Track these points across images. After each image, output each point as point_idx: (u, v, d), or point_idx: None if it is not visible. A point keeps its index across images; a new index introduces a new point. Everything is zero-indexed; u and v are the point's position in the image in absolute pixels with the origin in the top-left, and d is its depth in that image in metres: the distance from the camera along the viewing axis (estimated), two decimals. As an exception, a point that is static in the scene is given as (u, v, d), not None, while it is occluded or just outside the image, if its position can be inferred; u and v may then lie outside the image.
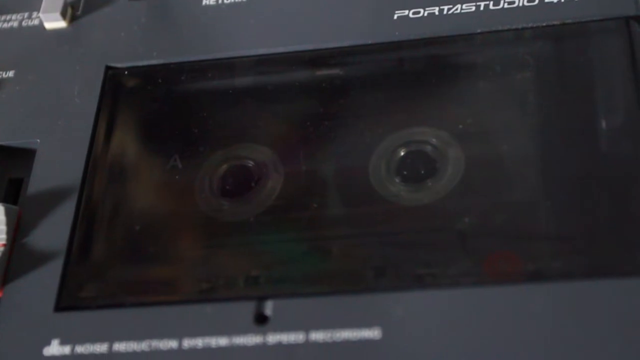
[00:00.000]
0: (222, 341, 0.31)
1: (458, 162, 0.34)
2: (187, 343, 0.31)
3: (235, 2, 0.40)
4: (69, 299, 0.34)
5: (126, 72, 0.39)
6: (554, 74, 0.36)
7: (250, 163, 0.36)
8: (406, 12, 0.37)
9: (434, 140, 0.34)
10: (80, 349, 0.32)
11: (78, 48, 0.41)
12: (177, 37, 0.40)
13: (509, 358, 0.29)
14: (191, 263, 0.36)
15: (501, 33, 0.36)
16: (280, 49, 0.38)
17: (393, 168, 0.34)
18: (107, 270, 0.36)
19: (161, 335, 0.32)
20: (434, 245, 0.34)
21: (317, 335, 0.30)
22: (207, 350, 0.31)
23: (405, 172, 0.34)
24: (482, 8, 0.37)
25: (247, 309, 0.32)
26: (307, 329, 0.31)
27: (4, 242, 0.35)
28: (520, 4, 0.36)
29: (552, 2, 0.36)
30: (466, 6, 0.37)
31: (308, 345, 0.31)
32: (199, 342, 0.31)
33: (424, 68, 0.37)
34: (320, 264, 0.34)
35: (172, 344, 0.31)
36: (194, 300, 0.34)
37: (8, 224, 0.35)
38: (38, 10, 0.43)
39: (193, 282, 0.35)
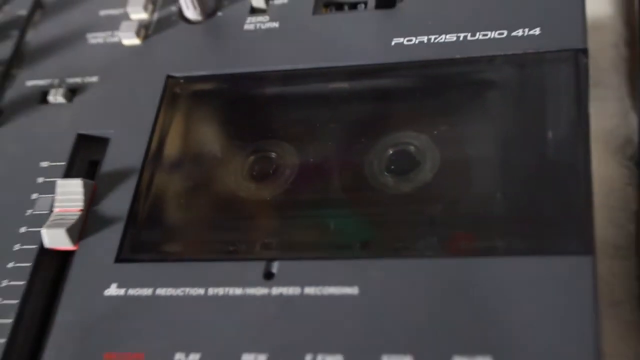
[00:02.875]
0: (238, 291, 0.33)
1: (434, 160, 0.35)
2: (211, 291, 0.33)
3: (268, 28, 0.40)
4: (126, 254, 0.35)
5: (182, 81, 0.40)
6: (515, 93, 0.37)
7: (273, 155, 0.37)
8: (401, 39, 0.38)
9: (416, 142, 0.36)
10: (132, 292, 0.34)
11: (147, 60, 0.42)
12: (223, 54, 0.41)
13: (459, 311, 0.30)
14: (220, 230, 0.37)
15: (475, 59, 0.37)
16: (301, 66, 0.39)
17: (383, 163, 0.36)
18: (155, 233, 0.37)
19: (192, 284, 0.34)
20: (409, 225, 0.35)
21: (309, 290, 0.32)
22: (225, 297, 0.33)
23: (392, 167, 0.35)
24: (461, 39, 0.37)
25: (259, 267, 0.33)
26: (302, 285, 0.32)
27: (81, 207, 0.36)
28: (492, 37, 0.37)
29: (517, 35, 0.37)
30: (449, 36, 0.37)
31: (302, 297, 0.32)
32: (220, 290, 0.33)
33: (412, 85, 0.39)
34: (318, 236, 0.35)
35: (200, 291, 0.33)
36: (219, 259, 0.35)
37: (85, 194, 0.37)
38: (118, 30, 0.43)
39: (220, 245, 0.36)
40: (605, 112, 0.44)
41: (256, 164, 0.38)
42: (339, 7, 0.41)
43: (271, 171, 0.37)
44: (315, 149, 0.38)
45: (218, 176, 0.38)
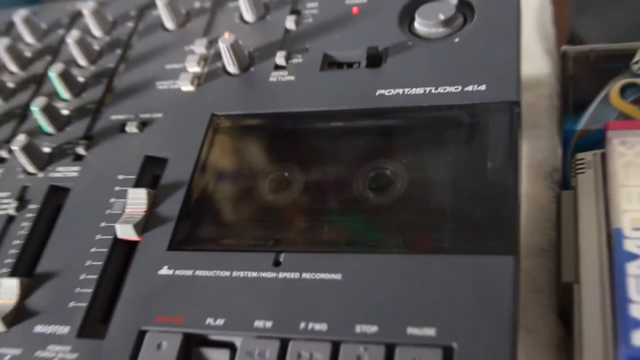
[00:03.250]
0: (254, 274, 0.33)
1: (404, 181, 0.35)
2: (234, 274, 0.33)
3: (286, 81, 0.40)
4: (175, 244, 0.35)
5: (222, 117, 0.40)
6: (466, 132, 0.36)
7: (286, 174, 0.37)
8: (383, 91, 0.37)
9: (391, 167, 0.35)
10: (177, 272, 0.34)
11: (198, 103, 0.41)
12: (252, 99, 0.40)
13: (414, 294, 0.30)
14: (244, 229, 0.37)
15: (437, 107, 0.36)
16: (309, 109, 0.39)
17: (366, 182, 0.35)
18: (197, 230, 0.36)
19: (221, 268, 0.33)
20: (382, 228, 0.35)
21: (306, 275, 0.32)
22: (244, 278, 0.33)
23: (372, 185, 0.35)
24: (427, 91, 0.37)
25: (270, 257, 0.33)
26: (300, 271, 0.32)
27: (145, 209, 0.36)
28: (450, 90, 0.36)
29: (469, 90, 0.36)
30: (418, 89, 0.37)
31: (300, 280, 0.32)
32: (241, 273, 0.33)
33: (390, 124, 0.38)
34: (314, 235, 0.35)
35: (227, 273, 0.33)
36: (242, 250, 0.35)
37: (148, 200, 0.36)
38: (178, 80, 0.42)
39: (244, 239, 0.36)
40: (539, 147, 0.44)
41: (273, 180, 0.37)
42: (340, 65, 0.41)
43: (283, 186, 0.37)
44: (317, 171, 0.38)
45: (245, 188, 0.38)
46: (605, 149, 0.36)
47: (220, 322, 0.32)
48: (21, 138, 0.40)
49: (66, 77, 0.44)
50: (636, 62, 0.39)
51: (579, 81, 0.40)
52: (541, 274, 0.38)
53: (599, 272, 0.32)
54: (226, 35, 0.41)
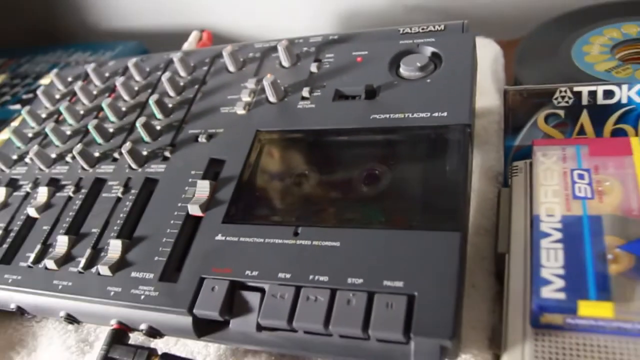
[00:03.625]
0: (279, 241, 0.32)
1: (387, 179, 0.34)
2: (266, 240, 0.33)
3: (309, 107, 0.39)
4: (227, 219, 0.35)
5: (264, 132, 0.39)
6: (432, 145, 0.34)
7: (306, 172, 0.36)
8: (375, 115, 0.36)
9: (379, 169, 0.34)
10: (228, 238, 0.33)
11: (248, 122, 0.40)
12: (285, 120, 0.39)
13: (390, 258, 0.30)
14: (275, 210, 0.35)
15: (412, 127, 0.35)
16: (323, 127, 0.38)
17: (361, 179, 0.34)
18: (243, 209, 0.35)
19: (257, 236, 0.33)
20: (370, 211, 0.33)
21: (315, 242, 0.31)
22: (273, 243, 0.32)
23: (365, 181, 0.34)
24: (406, 115, 0.35)
25: (291, 230, 0.33)
26: (312, 240, 0.32)
27: (208, 195, 0.36)
28: (422, 115, 0.35)
29: (435, 115, 0.35)
30: (399, 115, 0.36)
31: (311, 246, 0.31)
32: (271, 240, 0.32)
33: (379, 139, 0.36)
34: (323, 215, 0.34)
35: (260, 239, 0.33)
36: (273, 224, 0.34)
37: (210, 188, 0.36)
38: (235, 106, 0.41)
39: (274, 217, 0.35)
40: (489, 157, 0.43)
41: (296, 176, 0.36)
42: (346, 97, 0.39)
43: (304, 180, 0.36)
44: (327, 170, 0.36)
45: (276, 181, 0.37)
46: (532, 159, 0.35)
47: (255, 273, 0.31)
48: (128, 145, 0.40)
49: (160, 104, 0.43)
50: (556, 98, 0.37)
51: (515, 111, 0.38)
52: (484, 247, 0.37)
53: (524, 246, 0.32)
54: (268, 75, 0.40)
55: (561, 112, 0.38)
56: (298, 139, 0.38)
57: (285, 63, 0.43)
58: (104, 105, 0.45)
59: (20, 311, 0.39)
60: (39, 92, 0.51)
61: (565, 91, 0.37)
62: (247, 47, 0.47)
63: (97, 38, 0.77)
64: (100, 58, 0.64)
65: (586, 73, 0.44)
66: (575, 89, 0.37)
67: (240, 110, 0.41)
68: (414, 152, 0.35)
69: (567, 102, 0.37)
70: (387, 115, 0.36)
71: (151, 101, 0.43)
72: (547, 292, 0.27)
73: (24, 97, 0.60)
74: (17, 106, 0.59)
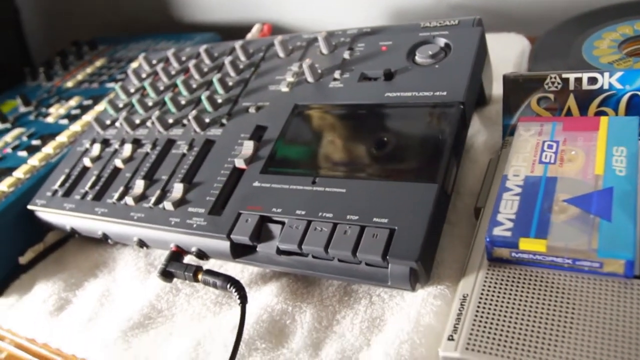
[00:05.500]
0: (300, 187, 0.39)
1: (393, 144, 0.39)
2: (291, 186, 0.39)
3: (338, 87, 0.45)
4: (264, 170, 0.42)
5: (298, 104, 0.45)
6: (431, 118, 0.39)
7: (329, 138, 0.42)
8: (389, 93, 0.42)
9: (387, 136, 0.40)
10: (262, 184, 0.40)
11: (289, 98, 0.46)
12: (318, 96, 0.45)
13: (379, 201, 0.35)
14: (300, 164, 0.41)
15: (419, 103, 0.40)
16: (349, 102, 0.44)
17: (373, 143, 0.40)
18: (276, 163, 0.42)
19: (284, 183, 0.40)
20: (375, 168, 0.38)
21: (328, 189, 0.38)
22: (295, 189, 0.39)
23: (376, 145, 0.40)
24: (413, 94, 0.41)
25: (310, 179, 0.39)
26: (324, 187, 0.38)
27: (251, 152, 0.44)
28: (426, 94, 0.41)
29: (436, 94, 0.40)
30: (408, 93, 0.41)
31: (324, 192, 0.38)
32: (294, 186, 0.39)
33: (390, 112, 0.42)
34: (336, 169, 0.39)
35: (286, 186, 0.39)
36: (297, 174, 0.40)
37: (254, 147, 0.43)
38: (279, 85, 0.50)
39: (298, 169, 0.41)
40: (495, 137, 0.49)
41: (322, 139, 0.42)
42: (369, 79, 0.46)
43: (327, 143, 0.42)
44: (345, 136, 0.42)
45: (304, 143, 0.43)
46: (515, 133, 0.41)
47: (279, 210, 0.39)
48: (194, 112, 0.50)
49: (222, 82, 0.53)
50: (547, 84, 0.42)
51: (512, 94, 0.43)
52: (471, 202, 0.42)
53: (494, 200, 0.38)
54: (307, 60, 0.48)
55: (551, 96, 0.43)
56: (326, 111, 0.45)
57: (324, 50, 0.51)
58: (178, 82, 0.56)
59: (105, 237, 0.50)
60: (129, 71, 0.62)
61: (555, 77, 0.43)
62: (295, 37, 0.55)
63: (181, 30, 0.90)
64: (180, 46, 0.76)
65: (590, 64, 0.49)
66: (564, 75, 0.42)
67: (284, 88, 0.49)
68: (415, 122, 0.41)
69: (556, 87, 0.43)
70: (399, 94, 0.43)
71: (215, 79, 0.53)
72: (497, 231, 0.33)
73: (118, 77, 0.72)
74: (112, 84, 0.71)
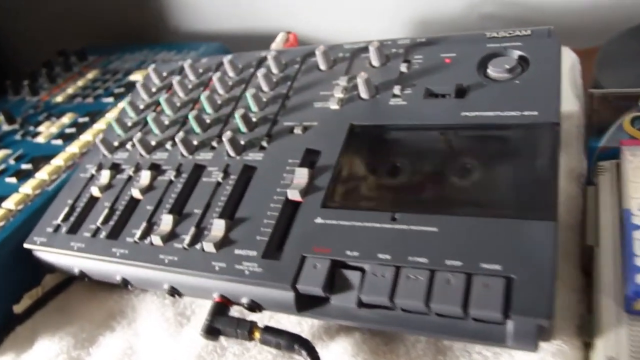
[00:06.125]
0: (378, 224, 0.34)
1: (479, 172, 0.35)
2: (365, 224, 0.34)
3: (401, 104, 0.40)
4: (326, 204, 0.36)
5: (355, 125, 0.40)
6: (524, 141, 0.35)
7: (398, 164, 0.37)
8: (467, 113, 0.38)
9: (471, 163, 0.36)
10: (327, 221, 0.35)
11: (341, 116, 0.41)
12: (379, 115, 0.40)
13: (487, 245, 0.30)
14: (371, 196, 0.37)
15: (505, 125, 0.36)
16: (418, 123, 0.39)
17: (454, 171, 0.36)
18: (340, 195, 0.37)
19: (355, 220, 0.34)
20: (464, 201, 0.34)
21: (415, 227, 0.33)
22: (372, 227, 0.34)
23: (458, 173, 0.35)
24: (497, 114, 0.37)
25: (387, 215, 0.34)
26: (409, 224, 0.33)
27: (306, 181, 0.37)
28: (513, 114, 0.36)
29: (525, 114, 0.36)
30: (490, 112, 0.37)
31: (409, 230, 0.33)
32: (369, 224, 0.34)
33: (471, 135, 0.38)
34: (418, 203, 0.35)
35: (359, 223, 0.34)
36: (370, 209, 0.35)
37: (308, 176, 0.38)
38: (328, 102, 0.43)
39: (370, 203, 0.37)
40: (571, 159, 0.44)
41: (390, 167, 0.38)
42: (436, 96, 0.41)
43: (396, 171, 0.37)
44: (420, 163, 0.37)
45: (371, 170, 0.38)
46: (620, 158, 0.36)
47: (355, 253, 0.33)
48: (228, 133, 0.43)
49: (256, 98, 0.47)
50: None
51: (600, 113, 0.40)
52: (569, 242, 0.38)
53: (612, 238, 0.33)
54: (362, 73, 0.42)
55: (648, 116, 0.39)
56: (392, 133, 0.40)
57: (375, 63, 0.45)
58: (202, 97, 0.49)
59: (125, 283, 0.42)
60: (138, 85, 0.55)
61: (653, 95, 0.39)
62: (336, 47, 0.49)
63: (177, 39, 0.82)
64: (184, 57, 0.68)
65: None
66: (664, 92, 0.38)
67: (333, 106, 0.43)
68: (506, 147, 0.37)
69: (654, 106, 0.39)
70: (478, 113, 0.38)
71: (248, 95, 0.46)
72: (642, 280, 0.28)
73: (116, 91, 0.64)
74: (110, 99, 0.63)
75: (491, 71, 0.41)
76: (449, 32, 0.47)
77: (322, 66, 0.48)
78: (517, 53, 0.42)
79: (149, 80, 0.57)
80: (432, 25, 0.66)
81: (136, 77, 0.66)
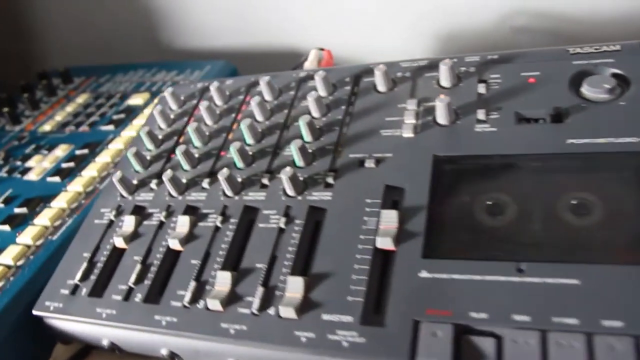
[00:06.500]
0: (502, 278, 0.29)
1: (601, 208, 0.31)
2: (485, 277, 0.29)
3: (490, 131, 0.36)
4: (428, 254, 0.31)
5: (441, 156, 0.36)
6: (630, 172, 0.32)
7: (504, 201, 0.33)
8: (573, 140, 0.33)
9: (588, 197, 0.31)
10: (436, 275, 0.30)
11: (419, 146, 0.37)
12: (466, 144, 0.36)
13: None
14: (483, 243, 0.32)
15: (621, 153, 0.32)
16: (514, 152, 0.34)
17: (569, 208, 0.32)
18: (444, 243, 0.32)
19: (473, 273, 0.30)
20: (594, 245, 0.30)
21: (551, 280, 0.28)
22: (496, 281, 0.29)
23: (575, 210, 0.31)
24: (610, 141, 0.32)
25: (511, 265, 0.29)
26: (542, 277, 0.28)
27: (397, 226, 0.32)
28: (629, 141, 0.32)
29: (625, 141, 0.32)
30: (600, 139, 0.33)
31: (543, 284, 0.28)
32: (492, 277, 0.29)
33: (579, 165, 0.34)
34: (544, 249, 0.31)
35: (478, 277, 0.29)
36: (487, 259, 0.30)
37: (399, 219, 0.33)
38: (401, 129, 0.38)
39: (485, 251, 0.32)
40: None
41: (494, 205, 0.33)
42: (528, 121, 0.36)
43: (504, 210, 0.33)
44: (527, 200, 0.33)
45: (472, 211, 0.33)
46: None
47: (483, 315, 0.28)
48: (288, 170, 0.37)
49: (310, 125, 0.40)
50: None
51: None
52: None
53: None
54: (442, 96, 0.37)
55: None
56: (487, 164, 0.35)
57: (446, 83, 0.40)
58: (242, 126, 0.42)
59: (172, 356, 0.35)
60: (155, 111, 0.47)
61: None
62: (393, 65, 0.44)
63: (172, 57, 0.74)
64: (186, 77, 0.61)
65: None
66: None
67: (407, 134, 0.38)
68: (627, 178, 0.32)
69: None
70: (587, 140, 0.34)
71: (302, 123, 0.40)
72: None
73: (115, 117, 0.56)
74: (110, 127, 0.55)
75: (587, 91, 0.36)
76: (480, 48, 0.43)
77: (381, 87, 0.42)
78: (610, 70, 0.37)
79: (165, 105, 0.49)
80: (461, 40, 0.62)
81: (136, 100, 0.58)
